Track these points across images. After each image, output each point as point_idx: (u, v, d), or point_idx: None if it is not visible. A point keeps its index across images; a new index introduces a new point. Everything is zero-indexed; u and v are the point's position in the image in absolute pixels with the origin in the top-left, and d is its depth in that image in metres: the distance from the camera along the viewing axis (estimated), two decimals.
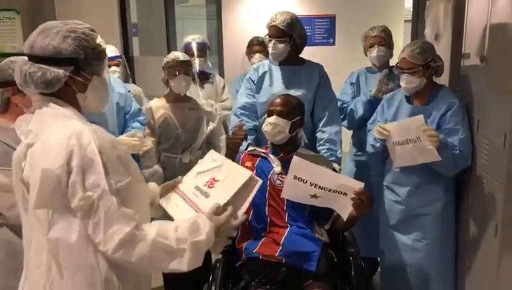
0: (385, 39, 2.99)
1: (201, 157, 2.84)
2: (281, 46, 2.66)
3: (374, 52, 2.99)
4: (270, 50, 2.71)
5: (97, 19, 3.50)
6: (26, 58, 1.34)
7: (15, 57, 1.93)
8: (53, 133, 1.29)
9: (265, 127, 2.26)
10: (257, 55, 3.73)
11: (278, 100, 2.31)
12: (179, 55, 2.87)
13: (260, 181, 1.55)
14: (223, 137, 3.01)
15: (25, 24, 4.05)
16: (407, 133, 2.31)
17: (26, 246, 1.39)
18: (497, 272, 2.09)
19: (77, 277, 1.30)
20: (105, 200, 1.24)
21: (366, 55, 3.09)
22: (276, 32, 2.65)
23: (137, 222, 1.27)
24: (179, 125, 2.81)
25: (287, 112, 2.25)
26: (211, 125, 2.95)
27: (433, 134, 2.22)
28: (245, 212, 1.50)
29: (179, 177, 1.72)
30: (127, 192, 1.29)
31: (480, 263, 2.28)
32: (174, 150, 2.83)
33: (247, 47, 3.89)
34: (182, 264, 1.32)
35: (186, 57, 2.90)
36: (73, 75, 1.33)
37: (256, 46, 3.79)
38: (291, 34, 2.65)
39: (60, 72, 1.31)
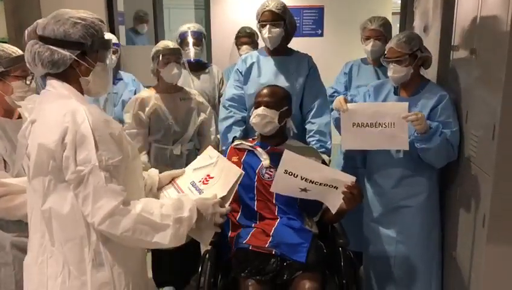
0: (383, 33, 2.95)
1: (192, 148, 2.86)
2: (275, 30, 2.64)
3: (369, 45, 2.96)
4: (265, 35, 2.67)
5: (83, 6, 3.42)
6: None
7: None
8: (50, 111, 1.40)
9: (254, 119, 2.24)
10: (244, 47, 3.72)
11: (265, 91, 2.29)
12: (168, 43, 2.83)
13: (243, 173, 1.68)
14: (213, 129, 2.99)
15: (8, 11, 3.96)
16: (382, 117, 2.27)
17: (29, 213, 1.51)
18: (484, 263, 2.12)
19: (67, 246, 1.41)
20: (95, 175, 1.34)
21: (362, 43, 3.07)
22: (270, 16, 2.64)
23: (124, 197, 1.37)
24: (170, 116, 2.77)
25: (275, 103, 2.24)
26: (202, 116, 2.92)
27: (416, 117, 2.21)
28: (231, 204, 1.64)
29: (182, 169, 1.81)
30: (118, 169, 1.39)
31: (468, 253, 2.30)
32: (165, 141, 2.80)
33: (235, 38, 3.86)
34: (164, 239, 1.42)
35: (176, 45, 2.86)
36: (78, 59, 1.43)
37: (243, 37, 3.77)
38: (284, 19, 2.65)
39: (66, 54, 1.40)
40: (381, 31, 2.95)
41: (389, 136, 2.27)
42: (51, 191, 1.40)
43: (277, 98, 2.26)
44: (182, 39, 3.41)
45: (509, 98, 1.93)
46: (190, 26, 3.44)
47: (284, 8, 2.66)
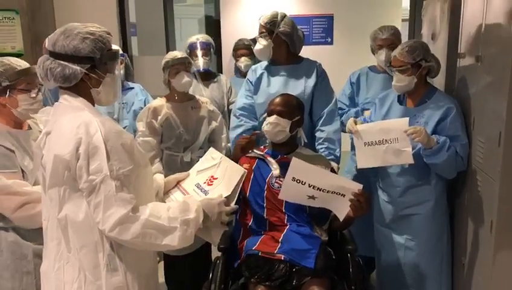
0: (394, 41, 2.95)
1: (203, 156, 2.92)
2: (262, 42, 2.72)
3: (383, 54, 2.96)
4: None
5: (96, 18, 3.50)
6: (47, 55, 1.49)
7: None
8: (65, 123, 1.45)
9: (266, 127, 2.29)
10: (243, 58, 3.82)
11: (278, 100, 2.34)
12: (176, 53, 2.90)
13: (246, 171, 1.75)
14: (225, 136, 3.05)
15: (25, 24, 4.07)
16: (386, 134, 2.32)
17: (45, 222, 1.56)
18: (493, 268, 2.12)
19: (82, 252, 1.48)
20: (106, 185, 1.40)
21: (373, 54, 3.09)
22: (260, 29, 2.74)
23: (133, 205, 1.43)
24: (180, 124, 2.84)
25: (287, 112, 2.28)
26: (213, 124, 2.98)
27: (414, 130, 2.24)
28: (237, 204, 1.71)
29: (186, 172, 1.86)
30: (129, 178, 1.45)
31: (476, 259, 2.31)
32: (176, 149, 2.86)
33: (234, 50, 3.94)
34: (173, 241, 1.48)
35: (184, 54, 2.93)
36: (88, 72, 1.48)
37: (242, 49, 3.87)
38: (271, 30, 2.70)
39: (77, 68, 1.46)
40: (393, 39, 2.96)
41: (395, 152, 2.32)
42: (66, 200, 1.45)
43: (290, 107, 2.30)
44: (191, 50, 3.51)
45: None
46: (199, 37, 3.55)
47: (272, 19, 2.71)
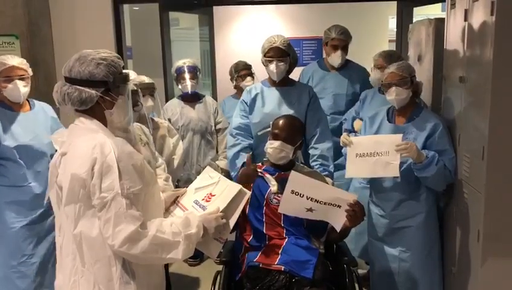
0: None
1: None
2: (281, 64, 2.84)
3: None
4: (272, 70, 2.86)
5: (93, 42, 3.64)
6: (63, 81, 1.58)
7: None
8: (81, 144, 1.54)
9: (270, 150, 2.35)
10: (248, 78, 3.94)
11: (283, 123, 2.38)
12: (144, 78, 3.06)
13: (249, 193, 1.81)
14: (180, 146, 3.23)
15: (24, 49, 4.16)
16: (378, 147, 2.44)
17: (59, 238, 1.63)
18: (481, 275, 2.24)
19: (96, 266, 1.54)
20: (116, 202, 1.47)
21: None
22: (277, 52, 2.83)
23: (142, 221, 1.50)
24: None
25: (292, 138, 2.35)
26: (173, 140, 3.18)
27: (405, 147, 2.36)
28: (236, 223, 1.79)
29: (184, 188, 1.94)
30: (138, 196, 1.53)
31: (465, 268, 2.42)
32: None
33: (235, 72, 4.06)
34: (177, 254, 1.56)
35: (151, 80, 3.10)
36: (103, 95, 1.57)
37: (244, 70, 3.99)
38: (289, 54, 2.84)
39: (92, 92, 1.55)
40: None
41: (384, 164, 2.43)
42: (81, 216, 1.52)
43: (294, 133, 2.38)
44: (178, 74, 3.66)
45: (496, 121, 2.10)
46: (186, 62, 3.70)
47: (288, 44, 2.86)
